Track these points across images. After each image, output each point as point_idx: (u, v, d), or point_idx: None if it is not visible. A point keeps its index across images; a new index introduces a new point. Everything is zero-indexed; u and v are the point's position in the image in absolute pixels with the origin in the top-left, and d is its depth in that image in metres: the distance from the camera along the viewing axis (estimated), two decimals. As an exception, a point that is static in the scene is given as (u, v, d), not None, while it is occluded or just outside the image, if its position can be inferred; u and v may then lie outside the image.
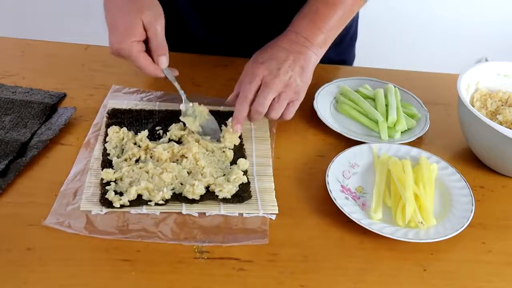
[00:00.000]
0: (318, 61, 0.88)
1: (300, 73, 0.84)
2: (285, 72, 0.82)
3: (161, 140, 0.85)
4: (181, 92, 0.86)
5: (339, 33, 0.91)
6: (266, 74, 0.82)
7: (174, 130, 0.86)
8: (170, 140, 0.85)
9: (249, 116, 0.84)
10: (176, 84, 0.86)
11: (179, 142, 0.85)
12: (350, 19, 0.91)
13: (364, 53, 1.27)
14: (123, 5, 0.82)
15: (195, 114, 0.86)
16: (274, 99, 0.83)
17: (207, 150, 0.84)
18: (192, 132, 0.85)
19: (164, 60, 0.83)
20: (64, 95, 0.94)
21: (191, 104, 0.86)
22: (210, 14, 1.06)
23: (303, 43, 0.86)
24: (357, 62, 1.25)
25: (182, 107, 0.86)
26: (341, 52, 1.16)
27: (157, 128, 0.88)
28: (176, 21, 1.09)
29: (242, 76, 0.86)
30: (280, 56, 0.84)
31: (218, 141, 0.84)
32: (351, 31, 1.18)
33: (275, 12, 1.02)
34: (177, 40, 1.11)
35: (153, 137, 0.86)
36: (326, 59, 1.11)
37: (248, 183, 0.79)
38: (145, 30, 0.82)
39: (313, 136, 0.92)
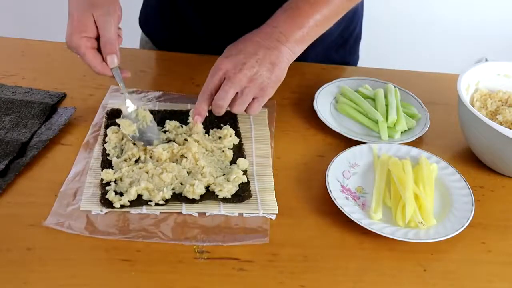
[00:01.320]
0: (294, 58, 0.85)
1: (269, 69, 0.81)
2: (250, 66, 0.80)
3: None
4: (126, 94, 0.84)
5: (345, 35, 0.90)
6: (230, 68, 0.80)
7: (169, 127, 0.86)
8: (168, 140, 0.85)
9: (212, 110, 0.82)
10: (122, 85, 0.83)
11: (174, 141, 0.84)
12: (337, 19, 0.88)
13: (364, 53, 1.27)
14: None
15: (138, 118, 0.84)
16: (237, 93, 0.80)
17: (206, 150, 0.84)
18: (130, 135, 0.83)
19: (113, 59, 0.80)
20: (64, 95, 0.94)
21: (135, 107, 0.84)
22: (211, 14, 1.06)
23: (278, 38, 0.82)
24: (358, 62, 1.25)
25: (123, 109, 0.84)
26: (345, 54, 1.16)
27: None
28: (177, 21, 1.09)
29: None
30: (249, 50, 0.81)
31: (150, 144, 0.82)
32: (355, 33, 1.17)
33: (271, 10, 1.02)
34: (178, 39, 1.11)
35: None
36: (329, 61, 1.11)
37: (248, 182, 0.79)
38: (97, 27, 0.80)
39: (313, 136, 0.92)
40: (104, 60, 0.81)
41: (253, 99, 0.82)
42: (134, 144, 0.83)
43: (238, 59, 0.80)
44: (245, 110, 0.83)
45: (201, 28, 1.08)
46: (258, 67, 0.80)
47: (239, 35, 0.97)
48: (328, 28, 0.87)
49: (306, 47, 0.86)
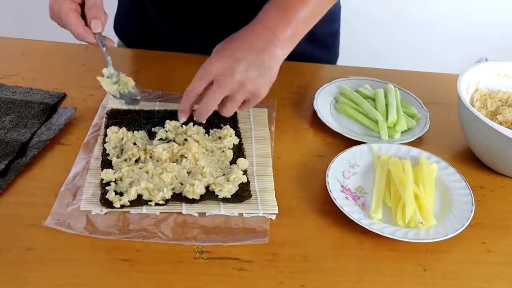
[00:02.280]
0: (286, 56, 0.82)
1: (261, 73, 0.79)
2: (242, 72, 0.77)
3: (155, 139, 0.85)
4: (108, 58, 0.83)
5: (320, 31, 0.89)
6: (221, 72, 0.77)
7: (169, 127, 0.86)
8: (168, 140, 0.85)
9: (195, 113, 0.81)
10: (104, 50, 0.82)
11: (174, 141, 0.84)
12: (323, 13, 0.85)
13: (364, 53, 1.27)
14: None
15: (118, 83, 0.84)
16: (227, 97, 0.79)
17: (206, 150, 0.84)
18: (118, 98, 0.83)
19: (97, 24, 0.78)
20: (64, 95, 0.94)
21: (116, 72, 0.84)
22: (176, 15, 1.06)
23: (269, 37, 0.79)
24: (357, 63, 1.25)
25: (105, 71, 0.83)
26: (325, 51, 1.16)
27: (156, 128, 0.87)
28: (149, 24, 1.09)
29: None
30: (240, 54, 0.78)
31: (133, 103, 0.83)
32: (333, 29, 1.17)
33: (241, 10, 1.02)
34: (151, 42, 1.11)
35: (153, 137, 0.86)
36: (312, 59, 1.11)
37: (248, 182, 0.79)
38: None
39: (313, 136, 0.92)
40: (87, 25, 0.78)
41: (244, 101, 0.81)
42: (134, 144, 0.83)
43: (229, 64, 0.77)
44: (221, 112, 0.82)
45: (168, 30, 1.08)
46: (248, 72, 0.78)
47: (209, 37, 0.95)
48: (314, 25, 0.85)
49: (295, 44, 0.83)
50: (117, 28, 1.19)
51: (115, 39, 1.21)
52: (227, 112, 0.81)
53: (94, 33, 0.79)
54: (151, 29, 1.10)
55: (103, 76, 0.84)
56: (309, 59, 1.11)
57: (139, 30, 1.12)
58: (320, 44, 1.14)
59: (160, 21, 1.08)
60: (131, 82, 0.85)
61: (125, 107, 0.83)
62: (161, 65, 1.06)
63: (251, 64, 0.78)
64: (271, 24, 0.80)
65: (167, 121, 0.87)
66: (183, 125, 0.87)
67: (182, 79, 0.91)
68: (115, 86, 0.84)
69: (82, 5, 0.80)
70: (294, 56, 0.88)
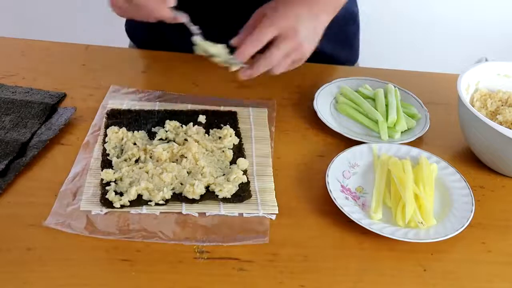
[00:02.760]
0: (327, 24, 0.87)
1: (313, 38, 0.83)
2: (302, 33, 0.81)
3: (155, 139, 0.85)
4: (194, 27, 0.83)
5: (347, 33, 0.91)
6: (288, 28, 0.80)
7: (169, 127, 0.86)
8: (168, 140, 0.85)
9: (254, 66, 0.81)
10: (188, 20, 0.82)
11: (174, 141, 0.84)
12: None
13: (364, 53, 1.27)
14: None
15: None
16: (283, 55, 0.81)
17: (206, 150, 0.84)
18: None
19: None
20: (64, 95, 0.94)
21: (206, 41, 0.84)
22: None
23: (320, 6, 0.84)
24: (358, 62, 1.25)
25: (197, 38, 0.83)
26: (345, 50, 1.16)
27: (156, 128, 0.87)
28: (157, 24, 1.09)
29: (255, 16, 0.84)
30: (303, 15, 0.82)
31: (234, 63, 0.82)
32: (353, 28, 1.18)
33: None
34: (152, 41, 1.11)
35: (153, 137, 0.86)
36: (332, 58, 1.11)
37: (248, 182, 0.79)
38: None
39: (313, 136, 0.92)
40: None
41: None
42: (134, 144, 0.83)
43: (294, 22, 0.80)
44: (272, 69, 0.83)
45: (176, 31, 1.08)
46: (307, 35, 0.82)
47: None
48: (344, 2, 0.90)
49: (337, 12, 0.88)
50: (129, 30, 1.19)
51: (126, 40, 1.20)
52: (281, 69, 0.83)
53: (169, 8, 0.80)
54: (161, 31, 1.10)
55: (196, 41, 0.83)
56: (334, 59, 1.12)
57: (150, 32, 1.12)
58: (343, 44, 1.15)
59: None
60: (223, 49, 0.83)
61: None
62: (164, 65, 1.06)
63: (309, 27, 0.82)
64: None
65: (167, 121, 0.87)
66: (183, 125, 0.87)
67: (182, 79, 0.91)
68: (218, 47, 0.82)
69: None
70: (320, 56, 0.89)
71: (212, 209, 0.75)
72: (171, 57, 1.08)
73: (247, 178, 0.79)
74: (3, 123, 0.85)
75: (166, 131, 0.86)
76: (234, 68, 0.82)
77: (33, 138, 0.83)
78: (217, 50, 0.83)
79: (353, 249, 0.72)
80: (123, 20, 1.01)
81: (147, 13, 0.79)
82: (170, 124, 0.87)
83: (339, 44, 1.14)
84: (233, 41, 0.83)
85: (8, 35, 1.10)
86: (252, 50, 0.81)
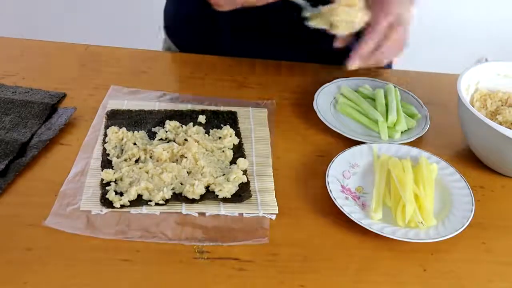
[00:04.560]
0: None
1: (409, 26, 0.84)
2: (409, 13, 0.83)
3: (155, 139, 0.85)
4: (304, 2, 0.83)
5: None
6: (402, 11, 0.81)
7: (169, 127, 0.86)
8: (168, 140, 0.85)
9: (366, 59, 0.81)
10: None
11: (174, 141, 0.84)
12: None
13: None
14: None
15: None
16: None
17: (206, 150, 0.84)
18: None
19: None
20: (64, 95, 0.94)
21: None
22: (246, 33, 1.06)
23: None
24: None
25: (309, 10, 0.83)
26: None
27: (156, 128, 0.87)
28: (210, 35, 1.09)
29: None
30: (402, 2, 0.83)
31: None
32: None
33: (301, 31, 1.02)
34: (198, 45, 1.10)
35: (153, 137, 0.86)
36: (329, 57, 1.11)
37: (248, 182, 0.79)
38: None
39: (313, 136, 0.92)
40: None
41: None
42: (134, 144, 0.83)
43: (402, 7, 0.81)
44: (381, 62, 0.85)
45: (232, 47, 1.08)
46: (406, 13, 0.83)
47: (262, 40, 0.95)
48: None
49: None
50: (171, 31, 1.17)
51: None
52: (386, 62, 0.85)
53: None
54: (211, 35, 1.09)
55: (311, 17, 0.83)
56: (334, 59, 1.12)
57: (196, 35, 1.11)
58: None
59: (227, 39, 1.08)
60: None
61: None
62: (164, 65, 1.06)
63: (408, 16, 0.83)
64: None
65: (167, 121, 0.87)
66: (183, 125, 0.87)
67: (182, 79, 0.91)
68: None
69: None
70: (321, 56, 0.89)
71: (212, 209, 0.75)
72: (171, 57, 1.08)
73: (247, 178, 0.79)
74: (3, 123, 0.85)
75: (166, 131, 0.86)
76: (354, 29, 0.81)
77: (33, 138, 0.83)
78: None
79: (353, 249, 0.72)
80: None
81: None
82: (170, 124, 0.87)
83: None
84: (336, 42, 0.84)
85: (8, 35, 1.10)
86: (371, 46, 0.81)
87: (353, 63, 0.80)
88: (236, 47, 1.08)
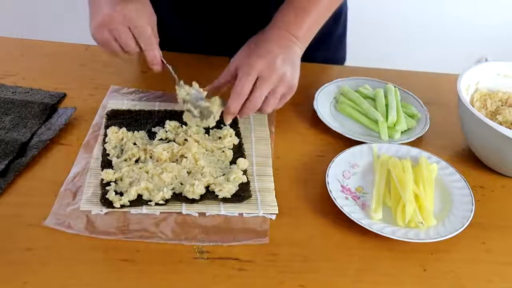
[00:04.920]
0: (302, 54, 0.88)
1: (292, 67, 0.84)
2: (280, 65, 0.82)
3: (155, 139, 0.84)
4: (176, 75, 0.86)
5: (323, 32, 0.91)
6: (265, 67, 0.81)
7: (169, 127, 0.86)
8: (168, 140, 0.85)
9: (242, 111, 0.82)
10: (171, 68, 0.86)
11: (174, 141, 0.84)
12: (331, 13, 0.91)
13: (365, 53, 1.27)
14: None
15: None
16: (269, 92, 0.82)
17: (206, 150, 0.84)
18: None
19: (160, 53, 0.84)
20: (64, 95, 0.94)
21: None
22: (186, 14, 1.06)
23: (290, 39, 0.86)
24: (357, 62, 1.25)
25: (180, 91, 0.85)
26: (327, 52, 1.16)
27: (156, 128, 0.87)
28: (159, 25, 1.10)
29: (230, 68, 0.85)
30: (274, 50, 0.83)
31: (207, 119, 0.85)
32: (338, 31, 1.17)
33: (251, 11, 1.02)
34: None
35: (153, 137, 0.86)
36: (312, 59, 1.11)
37: (248, 182, 0.79)
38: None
39: (313, 136, 0.92)
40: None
41: (280, 97, 0.84)
42: (134, 144, 0.83)
43: (269, 59, 0.82)
44: (262, 110, 0.84)
45: (176, 28, 1.08)
46: (285, 65, 0.83)
47: (214, 34, 0.96)
48: (326, 20, 0.90)
49: (309, 43, 0.89)
50: None
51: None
52: (270, 108, 0.84)
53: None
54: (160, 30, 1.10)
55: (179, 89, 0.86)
56: (315, 61, 1.12)
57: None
58: (327, 46, 1.15)
59: (172, 21, 1.08)
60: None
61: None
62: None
63: (286, 59, 0.83)
64: (288, 26, 0.86)
65: (167, 121, 0.87)
66: (183, 125, 0.87)
67: (183, 80, 0.90)
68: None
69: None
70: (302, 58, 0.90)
71: (212, 209, 0.75)
72: (171, 57, 1.08)
73: (247, 178, 0.79)
74: (3, 123, 0.85)
75: (166, 131, 0.86)
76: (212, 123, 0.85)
77: (33, 138, 0.83)
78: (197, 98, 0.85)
79: (353, 249, 0.72)
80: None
81: (149, 55, 0.84)
82: (170, 124, 0.87)
83: (324, 44, 1.13)
84: (208, 88, 0.86)
85: (8, 35, 1.10)
86: (239, 104, 0.82)
87: (227, 121, 0.84)
88: (178, 30, 1.09)
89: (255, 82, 0.81)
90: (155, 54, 0.84)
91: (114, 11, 0.81)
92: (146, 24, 0.82)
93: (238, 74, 0.83)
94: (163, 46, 1.09)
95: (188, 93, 0.85)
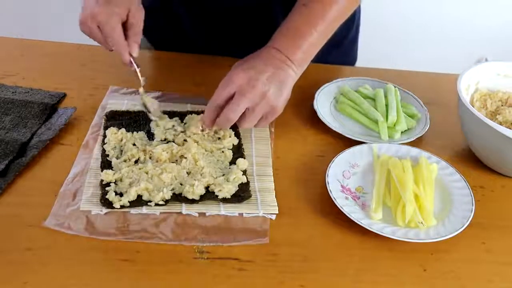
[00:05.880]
0: (297, 78, 0.86)
1: (279, 88, 0.81)
2: (264, 83, 0.79)
3: (155, 140, 0.84)
4: (142, 78, 0.87)
5: (336, 36, 0.91)
6: (244, 82, 0.79)
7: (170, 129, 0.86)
8: (167, 140, 0.85)
9: (217, 122, 0.81)
10: (139, 70, 0.86)
11: (173, 141, 0.84)
12: (331, 34, 0.88)
13: (364, 53, 1.27)
14: None
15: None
16: (248, 109, 0.80)
17: (206, 151, 0.84)
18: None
19: (136, 48, 0.83)
20: (64, 95, 0.94)
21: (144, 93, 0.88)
22: (203, 15, 1.06)
23: (284, 60, 0.83)
24: (358, 62, 1.25)
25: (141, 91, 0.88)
26: (339, 55, 1.16)
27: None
28: (171, 22, 1.09)
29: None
30: (260, 67, 0.81)
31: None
32: (350, 36, 1.17)
33: (265, 13, 1.02)
34: (171, 41, 1.11)
35: (152, 138, 0.86)
36: (324, 62, 1.12)
37: (248, 182, 0.79)
38: (127, 17, 0.83)
39: (313, 136, 0.92)
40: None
41: (261, 116, 0.82)
42: (134, 145, 0.83)
43: (251, 74, 0.79)
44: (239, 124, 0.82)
45: (194, 29, 1.08)
46: (270, 84, 0.80)
47: (231, 36, 0.96)
48: (324, 43, 0.88)
49: (307, 65, 0.87)
50: (146, 32, 1.19)
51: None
52: (246, 125, 0.81)
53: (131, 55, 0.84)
54: (174, 29, 1.10)
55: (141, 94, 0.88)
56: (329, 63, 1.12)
57: (159, 28, 1.12)
58: (339, 49, 1.15)
59: (186, 21, 1.08)
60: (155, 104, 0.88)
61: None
62: (164, 65, 1.06)
63: (272, 77, 0.80)
64: (284, 49, 0.84)
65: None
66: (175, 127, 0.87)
67: (182, 79, 0.91)
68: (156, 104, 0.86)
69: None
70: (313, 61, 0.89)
71: (212, 209, 0.75)
72: (171, 57, 1.08)
73: (247, 178, 0.79)
74: (3, 123, 0.85)
75: (165, 132, 0.86)
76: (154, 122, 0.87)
77: (33, 138, 0.83)
78: (152, 107, 0.87)
79: (353, 249, 0.72)
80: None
81: (115, 47, 0.83)
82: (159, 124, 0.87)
83: (336, 48, 1.14)
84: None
85: (8, 35, 1.10)
86: (211, 114, 0.81)
87: (204, 130, 0.85)
88: (197, 33, 1.08)
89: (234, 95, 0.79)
90: (123, 56, 0.84)
91: (94, 9, 0.81)
92: (116, 23, 0.81)
93: (219, 86, 0.81)
94: (181, 48, 1.08)
95: (145, 102, 0.87)
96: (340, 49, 1.15)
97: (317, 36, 0.85)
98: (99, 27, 0.82)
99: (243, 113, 0.80)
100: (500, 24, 2.29)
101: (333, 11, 0.86)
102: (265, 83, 0.79)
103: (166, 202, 0.75)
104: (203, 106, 0.93)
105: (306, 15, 0.85)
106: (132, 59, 0.85)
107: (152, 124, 0.87)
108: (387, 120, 0.93)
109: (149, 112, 0.87)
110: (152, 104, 0.88)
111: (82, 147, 0.83)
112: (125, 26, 0.84)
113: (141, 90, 0.88)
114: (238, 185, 0.78)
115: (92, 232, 0.70)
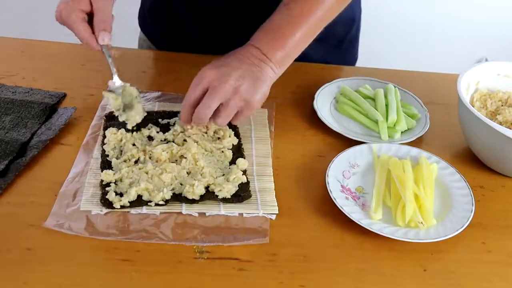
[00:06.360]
0: (277, 77, 0.84)
1: (253, 83, 0.80)
2: (236, 78, 0.78)
3: (155, 140, 0.84)
4: (114, 69, 0.84)
5: (337, 37, 0.90)
6: (215, 78, 0.78)
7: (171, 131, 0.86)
8: (167, 140, 0.85)
9: (193, 119, 0.80)
10: (110, 61, 0.83)
11: (173, 141, 0.84)
12: (317, 33, 0.87)
13: (365, 53, 1.27)
14: None
15: (124, 94, 0.84)
16: (222, 104, 0.79)
17: (206, 150, 0.84)
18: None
19: (103, 37, 0.81)
20: (64, 95, 0.94)
21: (122, 83, 0.85)
22: (205, 15, 1.06)
23: (262, 58, 0.82)
24: (358, 62, 1.25)
25: (110, 83, 0.84)
26: (339, 55, 1.16)
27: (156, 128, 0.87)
28: (172, 22, 1.10)
29: None
30: (234, 64, 0.80)
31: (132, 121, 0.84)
32: (351, 35, 1.17)
33: (266, 13, 1.02)
34: (173, 41, 1.11)
35: (152, 138, 0.85)
36: (324, 62, 1.12)
37: (248, 182, 0.79)
38: (91, 5, 0.81)
39: (313, 136, 0.92)
40: (93, 33, 0.81)
41: (237, 112, 0.80)
42: (134, 145, 0.83)
43: (223, 70, 0.79)
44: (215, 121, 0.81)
45: (196, 29, 1.09)
46: (243, 80, 0.79)
47: (233, 36, 0.96)
48: (308, 44, 0.87)
49: (288, 65, 0.85)
50: (142, 22, 1.20)
51: (126, 40, 1.20)
52: (221, 122, 0.80)
53: (101, 44, 0.82)
54: (173, 25, 1.10)
55: (108, 87, 0.84)
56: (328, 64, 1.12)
57: (160, 25, 1.13)
58: (339, 50, 1.15)
59: (188, 22, 1.08)
60: (135, 92, 0.85)
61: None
62: (164, 65, 1.06)
63: (246, 73, 0.79)
64: (264, 48, 0.82)
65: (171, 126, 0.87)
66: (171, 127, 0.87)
67: (182, 79, 0.91)
68: (120, 100, 0.83)
69: (90, 14, 0.82)
70: (310, 59, 0.88)
71: (212, 209, 0.75)
72: (171, 57, 1.08)
73: (247, 178, 0.79)
74: (3, 123, 0.85)
75: (164, 133, 0.86)
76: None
77: (33, 138, 0.83)
78: (114, 103, 0.84)
79: (353, 249, 0.72)
80: (124, 20, 1.00)
81: (80, 38, 0.82)
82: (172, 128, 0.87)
83: (335, 47, 1.13)
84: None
85: (8, 35, 1.10)
86: (186, 112, 0.80)
87: (183, 125, 0.84)
88: (199, 33, 1.08)
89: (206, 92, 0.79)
90: (90, 46, 0.82)
91: (59, 6, 0.81)
92: (76, 18, 0.80)
93: (191, 84, 0.81)
94: (183, 47, 1.08)
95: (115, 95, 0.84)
96: (340, 49, 1.15)
97: (299, 36, 0.84)
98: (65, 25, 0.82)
99: (218, 109, 0.79)
100: (500, 24, 2.29)
101: (318, 11, 0.84)
102: (237, 78, 0.78)
103: (166, 202, 0.75)
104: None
105: (289, 15, 0.84)
106: (102, 48, 0.82)
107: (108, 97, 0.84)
108: (387, 120, 0.93)
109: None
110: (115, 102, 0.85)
111: (82, 147, 0.83)
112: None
113: (110, 82, 0.84)
114: (238, 185, 0.78)
115: (92, 232, 0.70)
